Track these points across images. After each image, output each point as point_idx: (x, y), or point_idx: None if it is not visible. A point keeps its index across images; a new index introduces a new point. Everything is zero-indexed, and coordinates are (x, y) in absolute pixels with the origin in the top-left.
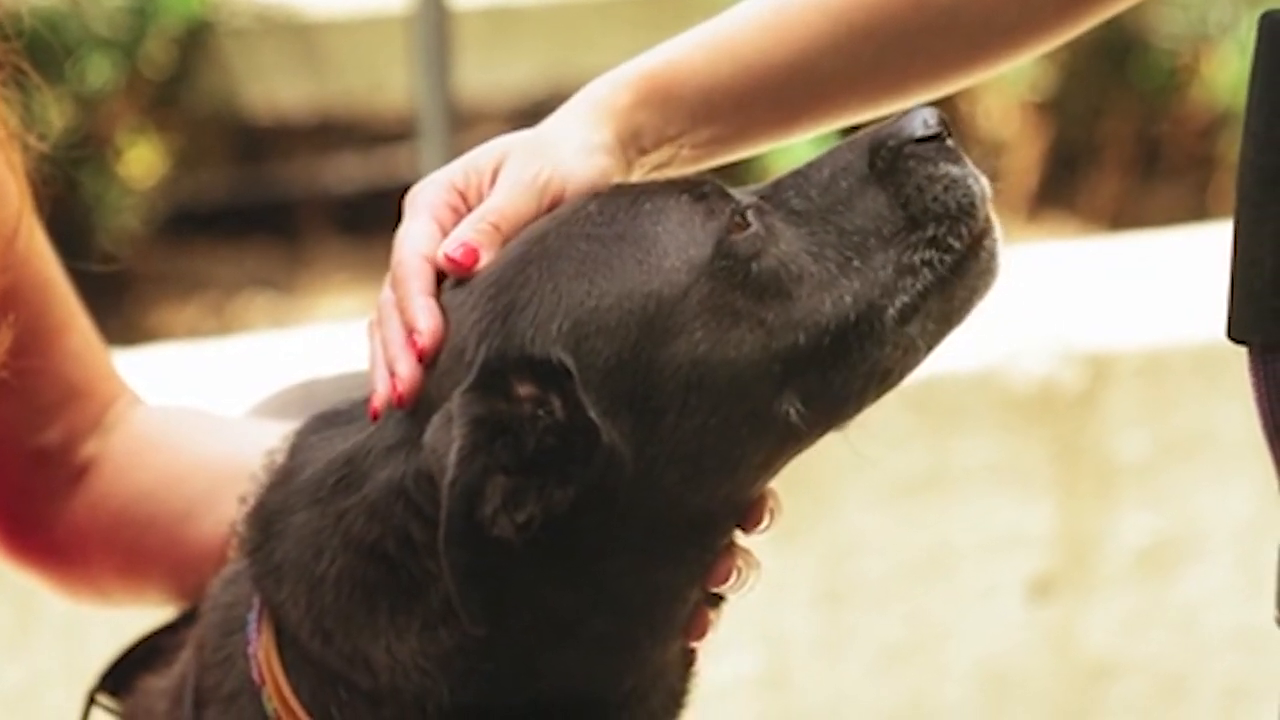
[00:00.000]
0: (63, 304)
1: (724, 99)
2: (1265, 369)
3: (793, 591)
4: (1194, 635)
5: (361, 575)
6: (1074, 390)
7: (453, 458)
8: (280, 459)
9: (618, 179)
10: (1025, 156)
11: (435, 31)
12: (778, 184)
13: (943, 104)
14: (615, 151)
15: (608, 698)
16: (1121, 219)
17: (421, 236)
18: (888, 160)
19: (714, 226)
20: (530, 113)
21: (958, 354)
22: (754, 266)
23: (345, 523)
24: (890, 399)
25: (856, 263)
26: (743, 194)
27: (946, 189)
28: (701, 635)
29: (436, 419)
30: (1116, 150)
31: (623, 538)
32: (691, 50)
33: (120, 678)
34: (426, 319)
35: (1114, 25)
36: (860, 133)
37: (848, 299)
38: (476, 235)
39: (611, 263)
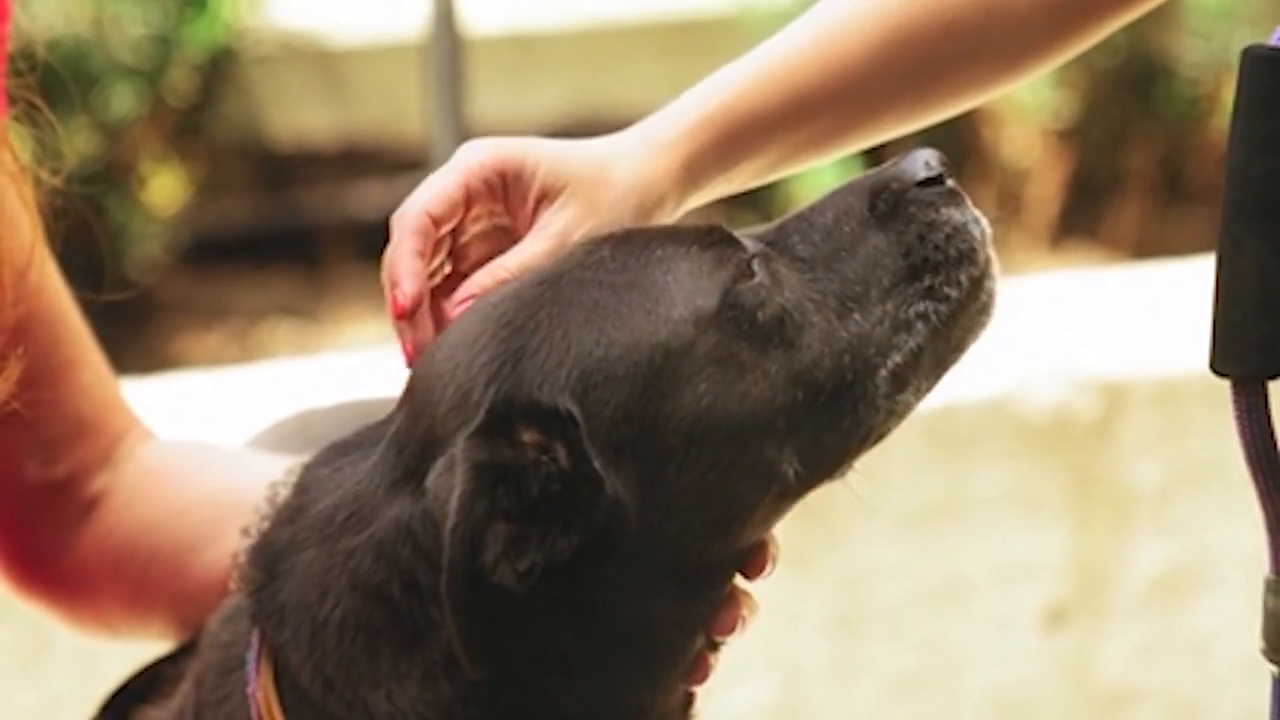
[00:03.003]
0: (74, 338)
1: (775, 129)
2: (1247, 401)
3: (806, 619)
4: (1208, 663)
5: (366, 619)
6: (1088, 419)
7: (454, 503)
8: (285, 492)
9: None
10: (1047, 185)
11: (448, 59)
12: (782, 228)
13: (965, 132)
14: (671, 200)
15: None
16: (1144, 248)
17: (439, 195)
18: (889, 204)
19: (721, 276)
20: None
21: (972, 382)
22: (759, 316)
23: (353, 563)
24: (904, 427)
25: (857, 315)
26: (748, 239)
27: (948, 237)
28: (703, 680)
29: (441, 463)
30: (1139, 179)
31: (624, 586)
32: (746, 84)
33: (121, 708)
34: (410, 282)
35: (1136, 54)
36: (862, 175)
37: (846, 358)
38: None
39: (621, 311)
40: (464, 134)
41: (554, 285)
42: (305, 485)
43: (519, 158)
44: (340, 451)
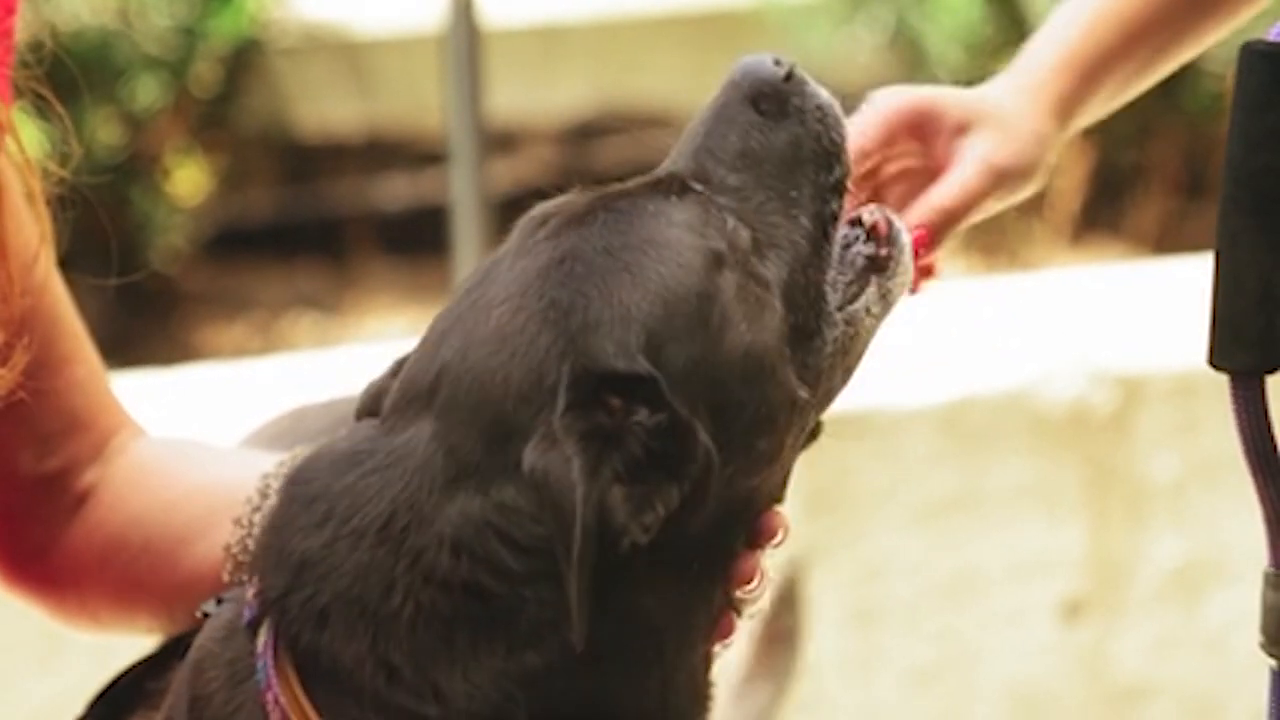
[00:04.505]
0: (70, 334)
1: (1113, 63)
2: (1244, 396)
3: (823, 612)
4: (1224, 657)
5: (443, 609)
6: (1105, 412)
7: (577, 474)
8: (281, 496)
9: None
10: (1070, 180)
11: (466, 52)
12: (695, 162)
13: None
14: (1052, 140)
15: (649, 704)
16: (1166, 242)
17: (867, 129)
18: (773, 103)
19: (711, 219)
20: (576, 133)
21: (989, 375)
22: (749, 247)
23: (426, 560)
24: (921, 420)
25: (803, 219)
26: (680, 178)
27: (836, 120)
28: (729, 635)
29: (535, 444)
30: (1162, 174)
31: (694, 535)
32: (1083, 25)
33: (106, 713)
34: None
35: None
36: (722, 90)
37: (811, 270)
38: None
39: (658, 269)
40: (483, 127)
41: (581, 260)
42: (320, 494)
43: (932, 96)
44: (352, 462)
